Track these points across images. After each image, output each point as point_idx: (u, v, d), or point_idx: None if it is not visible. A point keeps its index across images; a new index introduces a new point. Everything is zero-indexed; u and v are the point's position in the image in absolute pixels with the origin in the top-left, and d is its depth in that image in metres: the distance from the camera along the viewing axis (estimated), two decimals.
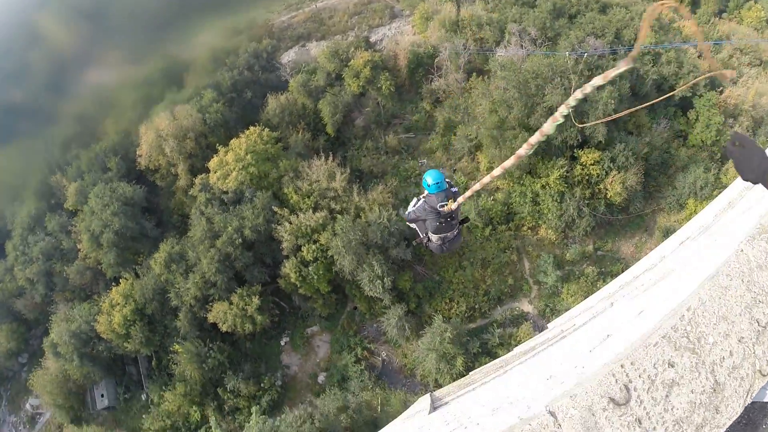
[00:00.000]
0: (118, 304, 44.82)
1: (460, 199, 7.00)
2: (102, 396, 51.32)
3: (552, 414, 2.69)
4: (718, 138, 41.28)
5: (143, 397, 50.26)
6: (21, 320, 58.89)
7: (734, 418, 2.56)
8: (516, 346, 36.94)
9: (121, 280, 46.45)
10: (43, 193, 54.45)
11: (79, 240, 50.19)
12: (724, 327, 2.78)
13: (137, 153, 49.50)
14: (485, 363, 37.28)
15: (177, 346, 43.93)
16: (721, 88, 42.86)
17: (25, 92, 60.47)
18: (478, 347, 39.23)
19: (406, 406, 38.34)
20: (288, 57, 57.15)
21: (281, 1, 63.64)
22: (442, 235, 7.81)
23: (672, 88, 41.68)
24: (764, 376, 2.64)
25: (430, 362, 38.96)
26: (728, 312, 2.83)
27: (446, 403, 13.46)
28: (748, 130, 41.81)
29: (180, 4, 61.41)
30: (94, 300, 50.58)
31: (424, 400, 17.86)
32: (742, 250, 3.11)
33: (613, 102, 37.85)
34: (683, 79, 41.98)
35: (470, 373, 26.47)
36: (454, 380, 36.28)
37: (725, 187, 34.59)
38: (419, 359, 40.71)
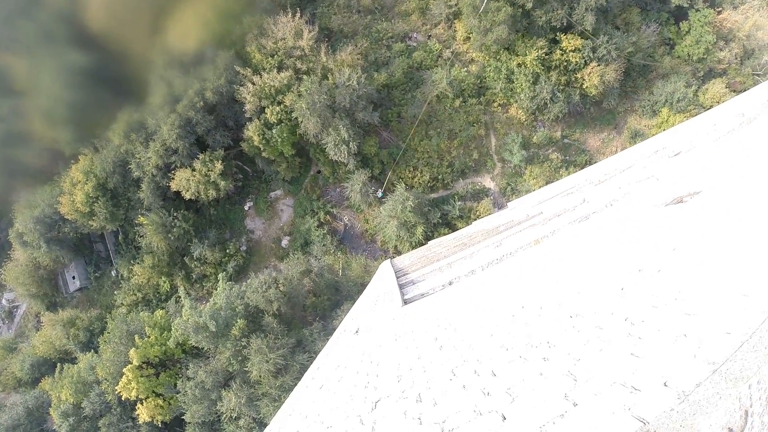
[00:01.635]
0: (79, 181, 43.51)
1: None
2: (73, 278, 51.44)
3: None
4: (705, 56, 40.11)
5: (113, 273, 50.29)
6: None
7: None
8: (475, 220, 37.03)
9: (80, 157, 44.68)
10: None
11: (32, 121, 47.81)
12: None
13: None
14: (444, 234, 37.68)
15: (142, 218, 43.21)
16: (720, 8, 41.23)
17: None
18: (439, 218, 39.17)
19: (366, 270, 39.05)
20: None
21: None
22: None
23: None
24: None
25: (391, 229, 39.03)
26: None
27: (414, 284, 12.76)
28: (737, 58, 40.89)
29: None
30: (54, 181, 49.31)
31: (387, 271, 17.27)
32: None
33: None
34: None
35: (429, 242, 26.41)
36: (413, 248, 36.73)
37: (702, 105, 34.16)
38: (380, 226, 40.71)
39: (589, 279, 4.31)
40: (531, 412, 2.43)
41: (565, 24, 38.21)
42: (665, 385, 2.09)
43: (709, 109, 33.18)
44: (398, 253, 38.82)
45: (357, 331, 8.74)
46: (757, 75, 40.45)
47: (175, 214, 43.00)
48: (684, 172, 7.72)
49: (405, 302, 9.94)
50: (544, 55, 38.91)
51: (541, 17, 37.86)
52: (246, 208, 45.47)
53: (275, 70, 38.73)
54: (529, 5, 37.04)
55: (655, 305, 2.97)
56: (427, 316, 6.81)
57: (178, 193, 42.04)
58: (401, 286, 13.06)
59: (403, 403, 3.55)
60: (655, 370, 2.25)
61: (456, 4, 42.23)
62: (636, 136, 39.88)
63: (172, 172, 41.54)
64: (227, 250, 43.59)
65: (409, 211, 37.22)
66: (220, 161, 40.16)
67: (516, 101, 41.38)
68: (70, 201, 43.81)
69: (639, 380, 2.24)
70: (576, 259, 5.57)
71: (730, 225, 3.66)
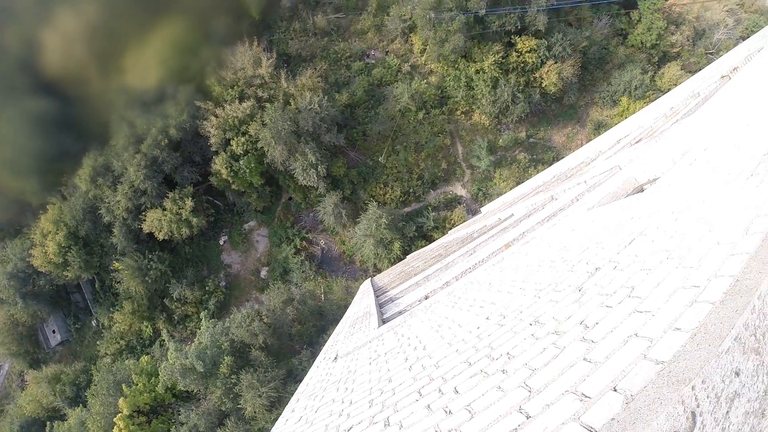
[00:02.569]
0: (50, 232, 42.57)
1: None
2: (54, 332, 50.10)
3: None
4: (657, 42, 41.23)
5: (93, 323, 49.08)
6: None
7: None
8: (451, 229, 37.14)
9: (48, 206, 43.77)
10: None
11: None
12: None
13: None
14: (422, 246, 37.62)
15: (117, 264, 42.41)
16: None
17: None
18: (414, 231, 39.18)
19: (348, 291, 38.68)
20: None
21: None
22: None
23: None
24: None
25: (368, 248, 38.84)
26: None
27: (393, 301, 12.65)
28: (688, 40, 41.94)
29: None
30: (24, 234, 48.22)
31: (366, 291, 17.04)
32: None
33: None
34: None
35: (407, 256, 26.28)
36: (393, 264, 36.52)
37: (660, 89, 35.16)
38: (357, 245, 40.54)
39: (549, 281, 4.25)
40: (486, 429, 2.33)
41: (519, 27, 38.92)
42: (614, 390, 2.01)
43: (667, 92, 34.10)
44: (378, 270, 38.61)
45: (335, 358, 8.55)
46: (711, 54, 41.50)
47: (150, 257, 42.21)
48: (644, 158, 7.78)
49: (384, 321, 9.75)
50: (501, 59, 39.47)
51: (494, 22, 38.57)
52: (221, 242, 44.87)
53: (237, 101, 38.60)
54: (482, 12, 37.64)
55: (609, 305, 2.89)
56: (400, 336, 6.68)
57: (151, 235, 41.36)
58: (381, 305, 12.85)
59: (372, 429, 3.44)
60: (606, 374, 2.17)
61: (410, 18, 42.75)
62: (599, 127, 40.57)
63: (143, 213, 40.95)
64: (206, 288, 42.86)
65: (384, 228, 37.11)
66: (190, 198, 39.72)
67: (478, 107, 41.89)
68: (42, 253, 42.73)
69: (589, 386, 2.14)
70: (539, 260, 5.51)
71: (683, 209, 3.63)
